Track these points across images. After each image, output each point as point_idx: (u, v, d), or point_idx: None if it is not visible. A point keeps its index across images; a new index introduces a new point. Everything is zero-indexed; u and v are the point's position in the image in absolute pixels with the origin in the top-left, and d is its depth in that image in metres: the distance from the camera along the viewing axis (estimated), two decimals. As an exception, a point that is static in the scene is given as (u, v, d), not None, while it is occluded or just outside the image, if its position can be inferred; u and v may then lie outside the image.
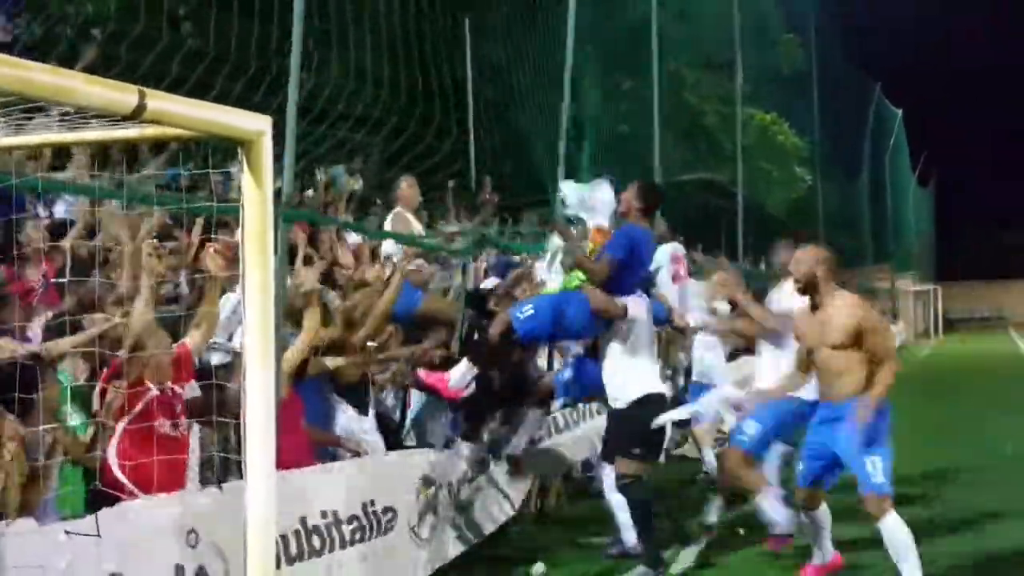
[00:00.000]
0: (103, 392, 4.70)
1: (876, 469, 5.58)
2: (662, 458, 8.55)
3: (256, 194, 2.82)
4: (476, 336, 7.11)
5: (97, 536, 3.78)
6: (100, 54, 8.18)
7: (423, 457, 6.51)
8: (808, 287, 5.78)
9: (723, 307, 7.93)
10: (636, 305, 6.38)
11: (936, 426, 13.46)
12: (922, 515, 7.87)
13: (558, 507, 8.68)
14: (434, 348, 7.45)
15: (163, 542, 4.17)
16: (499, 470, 7.45)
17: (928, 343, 40.81)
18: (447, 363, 7.09)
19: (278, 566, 4.68)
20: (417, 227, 8.36)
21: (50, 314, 5.15)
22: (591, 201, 6.61)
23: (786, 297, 6.76)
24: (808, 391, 6.26)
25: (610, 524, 7.16)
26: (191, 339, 5.12)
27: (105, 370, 4.75)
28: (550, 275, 6.79)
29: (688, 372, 10.24)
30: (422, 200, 8.95)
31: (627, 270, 6.29)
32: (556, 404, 8.52)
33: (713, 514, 7.67)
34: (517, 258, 9.81)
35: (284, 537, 4.98)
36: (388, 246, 8.09)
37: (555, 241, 6.78)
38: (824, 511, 6.16)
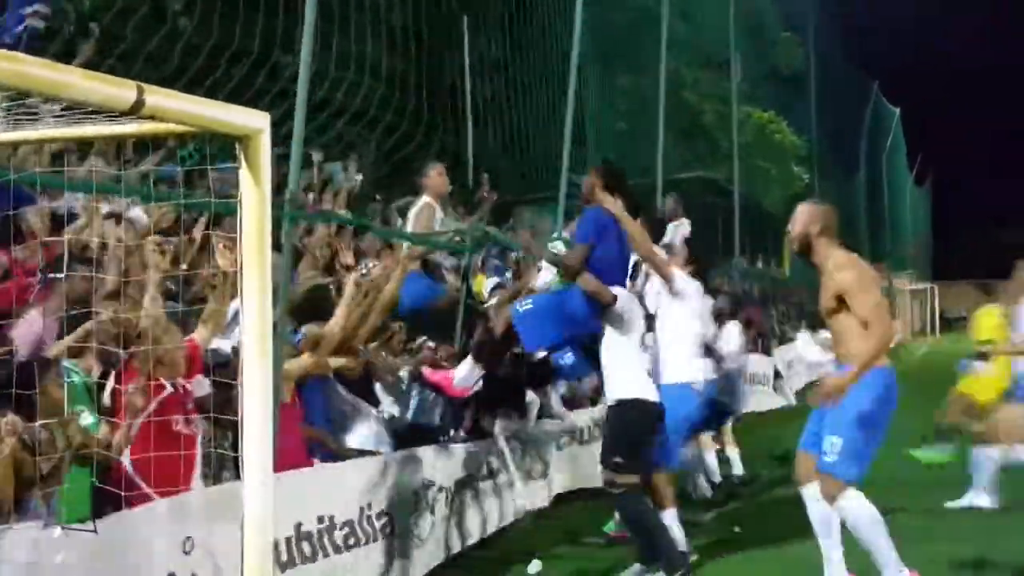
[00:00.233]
0: (115, 391, 4.68)
1: (832, 449, 5.12)
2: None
3: (254, 191, 2.81)
4: (478, 334, 7.07)
5: (94, 532, 3.76)
6: (97, 49, 8.16)
7: (424, 456, 6.50)
8: (803, 248, 5.40)
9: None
10: (627, 300, 6.32)
11: (932, 425, 13.44)
12: (918, 514, 7.89)
13: (554, 505, 8.67)
14: (437, 350, 7.46)
15: (158, 548, 4.16)
16: (515, 473, 7.48)
17: (925, 342, 40.82)
18: (451, 361, 7.12)
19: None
20: (441, 218, 8.22)
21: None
22: None
23: None
24: None
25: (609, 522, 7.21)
26: (199, 335, 5.11)
27: (120, 368, 4.74)
28: (548, 271, 6.81)
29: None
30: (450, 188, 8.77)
31: (604, 253, 6.21)
32: (560, 386, 8.53)
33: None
34: (513, 254, 9.80)
35: (276, 543, 4.95)
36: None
37: (558, 245, 6.83)
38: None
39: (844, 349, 5.20)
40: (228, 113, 2.74)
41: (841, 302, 5.16)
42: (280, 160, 6.08)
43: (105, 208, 6.25)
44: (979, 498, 8.21)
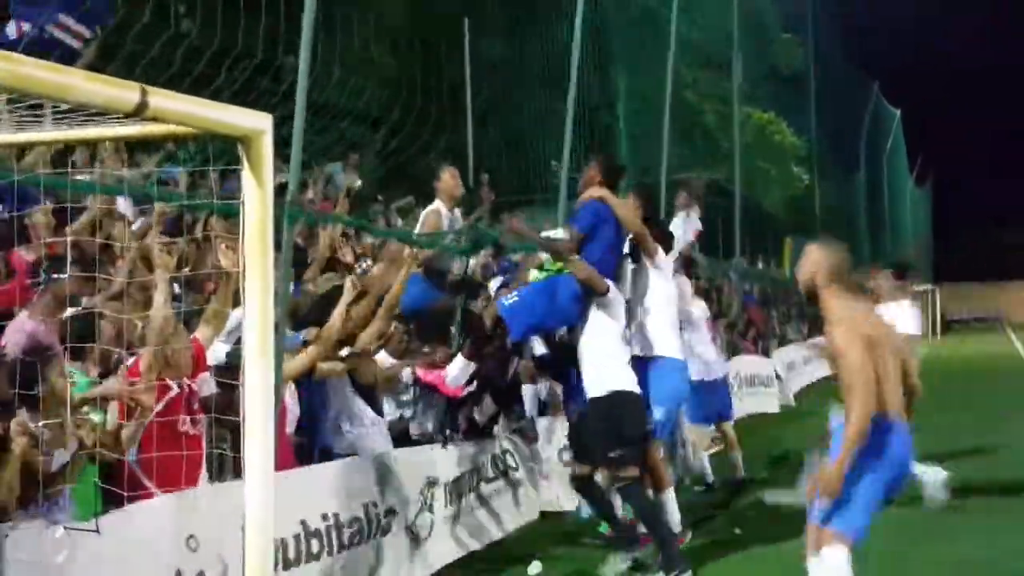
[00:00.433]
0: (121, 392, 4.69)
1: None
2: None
3: (257, 192, 2.83)
4: (467, 331, 7.13)
5: (96, 532, 3.78)
6: (99, 52, 8.18)
7: (425, 455, 6.52)
8: (808, 295, 5.09)
9: None
10: (614, 292, 6.38)
11: (932, 427, 13.46)
12: (918, 516, 7.90)
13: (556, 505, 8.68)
14: (434, 352, 7.48)
15: (163, 546, 4.17)
16: (521, 475, 7.49)
17: (925, 344, 40.78)
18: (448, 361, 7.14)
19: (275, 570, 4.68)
20: (454, 224, 8.25)
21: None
22: None
23: None
24: None
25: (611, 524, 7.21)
26: (201, 334, 5.12)
27: (128, 368, 4.75)
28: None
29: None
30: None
31: (597, 244, 6.30)
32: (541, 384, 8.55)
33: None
34: (516, 257, 9.81)
35: (283, 540, 4.96)
36: None
37: (557, 232, 6.87)
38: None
39: (847, 403, 4.82)
40: (230, 114, 2.75)
41: (835, 365, 4.85)
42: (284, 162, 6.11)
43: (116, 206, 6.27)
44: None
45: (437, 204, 8.08)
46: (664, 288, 6.70)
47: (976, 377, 23.07)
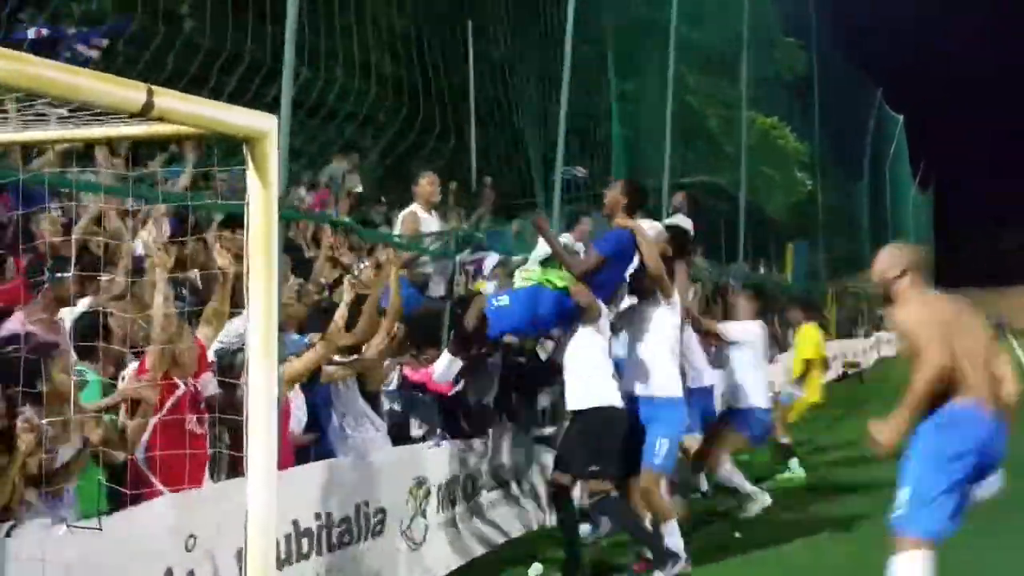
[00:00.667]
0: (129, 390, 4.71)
1: (900, 502, 4.64)
2: None
3: (261, 192, 2.84)
4: (454, 326, 7.19)
5: (99, 530, 3.79)
6: (102, 52, 8.22)
7: (420, 455, 6.51)
8: (886, 296, 5.00)
9: None
10: (604, 313, 6.52)
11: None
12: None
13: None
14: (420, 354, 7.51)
15: (160, 545, 4.18)
16: (524, 484, 7.54)
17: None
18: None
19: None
20: (432, 226, 8.34)
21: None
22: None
23: None
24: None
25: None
26: (202, 334, 5.14)
27: (135, 366, 4.77)
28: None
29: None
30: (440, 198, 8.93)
31: (611, 269, 6.41)
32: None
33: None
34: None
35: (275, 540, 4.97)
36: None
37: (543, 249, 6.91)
38: None
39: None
40: (236, 115, 2.77)
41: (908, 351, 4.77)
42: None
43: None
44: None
45: (415, 207, 8.23)
46: (671, 323, 6.69)
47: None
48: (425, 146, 11.07)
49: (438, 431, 7.12)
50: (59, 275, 5.17)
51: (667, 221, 9.26)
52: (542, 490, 8.05)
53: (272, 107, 6.77)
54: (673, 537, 6.53)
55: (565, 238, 8.08)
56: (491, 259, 8.74)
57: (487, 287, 8.91)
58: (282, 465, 5.31)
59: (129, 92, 2.43)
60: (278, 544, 4.97)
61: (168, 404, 4.67)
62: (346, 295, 6.08)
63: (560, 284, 6.38)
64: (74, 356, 4.90)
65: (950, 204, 56.28)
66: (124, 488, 4.10)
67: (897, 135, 41.82)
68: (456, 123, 12.23)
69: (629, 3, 17.33)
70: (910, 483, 4.57)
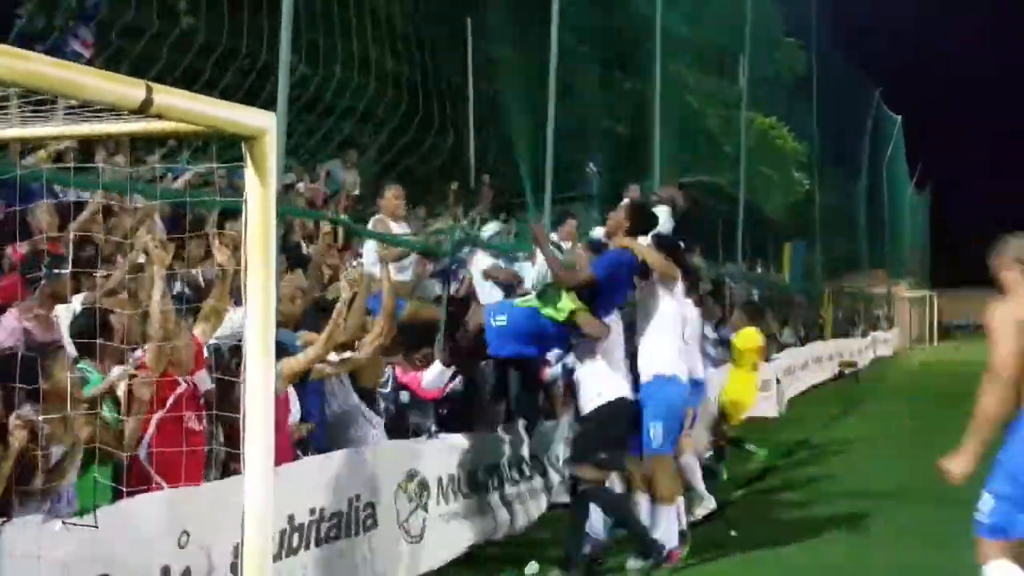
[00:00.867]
0: (129, 388, 4.71)
1: (984, 507, 4.60)
2: None
3: (260, 190, 2.84)
4: (448, 337, 7.30)
5: (95, 527, 3.78)
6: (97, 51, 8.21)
7: (413, 449, 6.51)
8: (997, 287, 4.89)
9: None
10: (615, 324, 6.64)
11: (923, 430, 13.52)
12: (917, 522, 7.93)
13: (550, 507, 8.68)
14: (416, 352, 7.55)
15: (154, 542, 4.18)
16: (530, 475, 7.58)
17: (923, 349, 40.89)
18: (429, 363, 7.27)
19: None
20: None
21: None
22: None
23: None
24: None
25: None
26: (199, 331, 5.13)
27: (134, 364, 4.77)
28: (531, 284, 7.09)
29: None
30: (409, 208, 9.12)
31: (608, 291, 6.49)
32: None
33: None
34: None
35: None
36: (368, 254, 8.21)
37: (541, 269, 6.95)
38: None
39: None
40: (236, 113, 2.76)
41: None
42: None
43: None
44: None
45: (381, 216, 8.48)
46: (672, 309, 6.75)
47: (968, 382, 23.01)
48: (423, 143, 11.07)
49: (432, 427, 7.13)
50: (56, 271, 5.16)
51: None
52: (538, 484, 8.06)
53: (268, 103, 6.79)
54: (670, 522, 6.59)
55: (552, 236, 8.12)
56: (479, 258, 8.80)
57: (477, 278, 8.95)
58: (282, 460, 5.34)
59: (127, 89, 2.43)
60: (273, 539, 4.97)
61: (169, 401, 4.67)
62: (344, 293, 6.08)
63: (562, 318, 6.44)
64: (74, 353, 4.90)
65: (948, 205, 56.38)
66: (129, 485, 4.10)
67: (895, 135, 41.86)
68: (454, 120, 12.24)
69: (628, 2, 17.32)
70: (991, 490, 4.55)
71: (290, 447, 5.71)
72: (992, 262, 4.95)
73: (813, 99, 27.92)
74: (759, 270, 24.21)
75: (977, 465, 4.55)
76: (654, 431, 6.54)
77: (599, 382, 6.55)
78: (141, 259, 5.82)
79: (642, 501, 6.81)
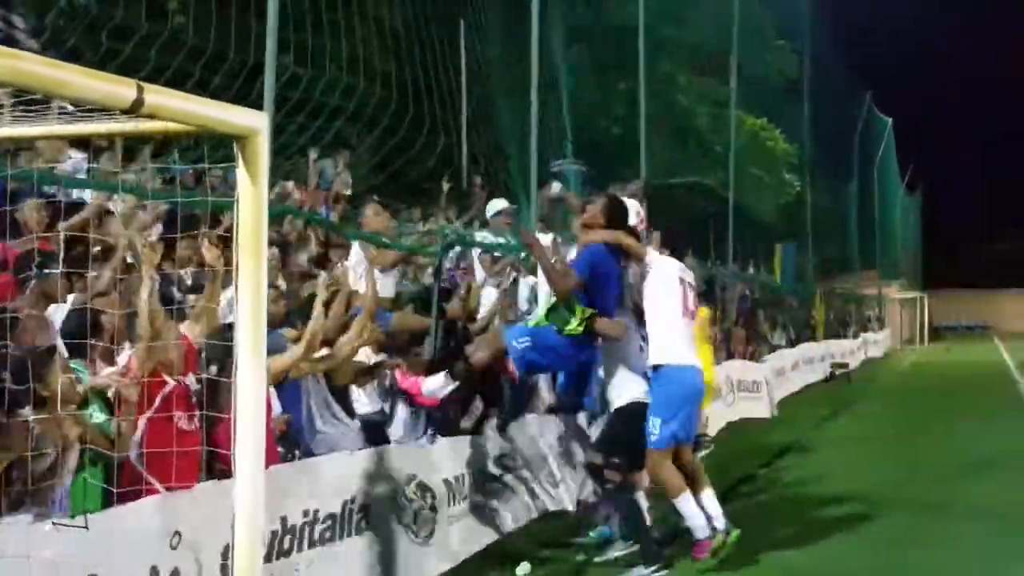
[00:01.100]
0: (117, 389, 4.70)
1: None
2: None
3: (251, 190, 2.83)
4: (456, 354, 7.35)
5: (85, 528, 3.78)
6: (87, 44, 8.19)
7: (410, 453, 6.51)
8: None
9: None
10: (629, 321, 6.70)
11: (914, 430, 13.58)
12: (897, 524, 7.95)
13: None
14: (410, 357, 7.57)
15: (144, 543, 4.18)
16: (513, 476, 7.56)
17: (914, 350, 41.02)
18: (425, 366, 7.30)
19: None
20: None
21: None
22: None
23: None
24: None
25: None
26: (191, 331, 5.12)
27: (123, 364, 4.76)
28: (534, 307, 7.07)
29: None
30: (394, 220, 9.17)
31: (597, 287, 6.50)
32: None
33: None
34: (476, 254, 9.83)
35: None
36: (354, 255, 8.23)
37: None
38: None
39: None
40: (227, 113, 2.76)
41: None
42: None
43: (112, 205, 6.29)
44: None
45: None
46: (664, 290, 6.72)
47: (957, 383, 23.12)
48: (415, 143, 11.07)
49: (429, 430, 7.13)
50: (46, 271, 5.15)
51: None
52: (535, 487, 8.07)
53: (259, 104, 6.78)
54: (691, 515, 6.55)
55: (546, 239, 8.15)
56: (487, 292, 8.84)
57: (482, 295, 8.97)
58: (268, 461, 5.32)
59: (118, 88, 2.42)
60: (265, 540, 4.96)
61: (157, 401, 4.66)
62: (320, 294, 6.06)
63: (581, 329, 6.46)
64: (65, 353, 4.88)
65: (939, 206, 56.61)
66: (122, 486, 4.09)
67: (886, 137, 42.01)
68: (446, 121, 12.24)
69: (621, 4, 17.35)
70: None
71: (275, 446, 5.71)
72: None
73: (804, 101, 28.01)
74: (750, 271, 24.26)
75: None
76: (651, 427, 6.52)
77: (616, 385, 6.65)
78: (130, 259, 5.82)
79: (641, 499, 6.85)
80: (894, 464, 10.82)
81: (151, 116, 2.56)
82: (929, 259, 54.59)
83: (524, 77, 11.85)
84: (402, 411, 7.26)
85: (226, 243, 4.89)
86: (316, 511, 5.41)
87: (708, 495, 6.70)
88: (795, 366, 20.59)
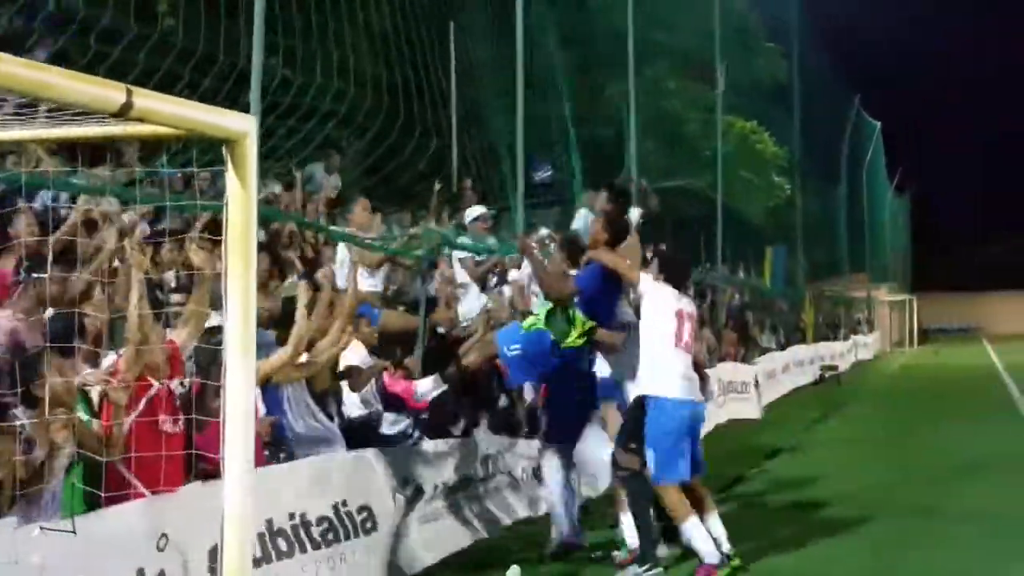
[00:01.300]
0: (103, 391, 4.68)
1: None
2: None
3: (240, 193, 2.84)
4: (445, 357, 7.37)
5: (72, 533, 3.77)
6: (74, 47, 8.16)
7: (398, 455, 6.51)
8: None
9: None
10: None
11: (903, 432, 13.63)
12: (889, 526, 7.98)
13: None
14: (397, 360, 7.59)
15: (131, 546, 4.17)
16: (503, 478, 7.58)
17: (903, 353, 41.18)
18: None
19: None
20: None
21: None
22: None
23: None
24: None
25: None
26: (178, 336, 5.11)
27: (112, 366, 4.75)
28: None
29: None
30: (381, 216, 9.21)
31: (597, 301, 6.68)
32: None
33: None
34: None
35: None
36: (339, 255, 8.24)
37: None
38: None
39: None
40: (216, 116, 2.77)
41: None
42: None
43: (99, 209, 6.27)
44: None
45: (351, 230, 8.63)
46: (657, 318, 6.64)
47: (945, 385, 23.21)
48: (405, 147, 11.07)
49: (416, 432, 7.14)
50: (35, 275, 5.13)
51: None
52: (523, 488, 8.07)
53: (248, 107, 6.77)
54: (700, 539, 6.42)
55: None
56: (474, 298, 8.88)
57: (468, 294, 8.99)
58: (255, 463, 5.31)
59: (107, 92, 2.42)
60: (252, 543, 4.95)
61: (142, 404, 4.65)
62: (301, 297, 6.04)
63: (581, 342, 6.61)
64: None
65: (927, 209, 56.83)
66: (106, 489, 4.08)
67: (874, 140, 42.20)
68: (437, 123, 12.24)
69: (610, 7, 17.39)
70: None
71: (261, 449, 5.71)
72: None
73: (793, 104, 28.11)
74: (740, 274, 24.31)
75: None
76: (648, 457, 6.47)
77: (636, 377, 6.69)
78: (116, 263, 5.80)
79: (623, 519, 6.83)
80: (885, 466, 10.85)
81: (140, 120, 2.57)
82: (918, 261, 54.80)
83: (515, 79, 11.88)
84: (392, 415, 7.27)
85: (215, 245, 4.88)
86: (303, 514, 5.41)
87: (714, 518, 6.64)
88: (785, 369, 20.66)
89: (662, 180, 19.84)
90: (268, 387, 6.00)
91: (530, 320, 6.97)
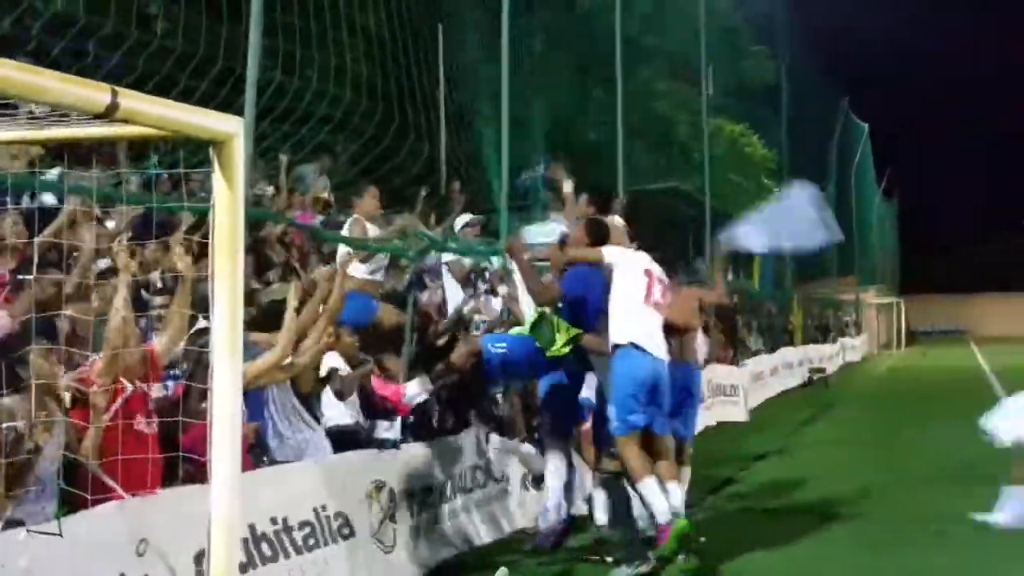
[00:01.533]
0: (76, 391, 4.65)
1: None
2: None
3: (227, 195, 2.83)
4: (435, 360, 7.38)
5: (59, 536, 3.75)
6: (70, 50, 8.13)
7: (380, 460, 6.49)
8: None
9: None
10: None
11: (891, 434, 13.68)
12: (880, 526, 8.01)
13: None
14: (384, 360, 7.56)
15: (112, 551, 4.15)
16: (492, 484, 7.61)
17: (891, 355, 41.32)
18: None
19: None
20: (376, 234, 8.51)
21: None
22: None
23: None
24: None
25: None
26: (158, 341, 5.08)
27: (84, 368, 4.72)
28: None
29: None
30: (382, 212, 9.14)
31: (580, 304, 6.75)
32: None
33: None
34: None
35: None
36: (341, 254, 8.22)
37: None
38: None
39: None
40: (202, 117, 2.76)
41: None
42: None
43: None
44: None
45: (358, 217, 8.46)
46: (622, 282, 6.68)
47: (932, 387, 23.30)
48: (397, 151, 11.07)
49: (399, 436, 7.13)
50: (20, 277, 5.11)
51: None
52: (511, 493, 8.06)
53: (243, 111, 6.76)
54: (653, 497, 6.39)
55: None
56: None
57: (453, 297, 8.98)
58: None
59: (93, 93, 2.41)
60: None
61: (115, 406, 4.61)
62: (291, 299, 6.02)
63: (567, 350, 6.66)
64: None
65: (915, 212, 57.05)
66: (84, 491, 4.06)
67: (862, 143, 42.33)
68: (427, 128, 12.24)
69: (599, 11, 17.42)
70: None
71: (246, 453, 5.68)
72: None
73: (782, 107, 28.19)
74: (729, 277, 24.36)
75: None
76: (609, 410, 6.50)
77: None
78: (102, 264, 5.78)
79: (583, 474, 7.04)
80: (873, 468, 10.89)
81: (126, 121, 2.56)
82: (906, 264, 55.02)
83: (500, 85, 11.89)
84: (386, 423, 7.24)
85: (202, 248, 4.86)
86: (285, 518, 5.39)
87: (674, 485, 6.55)
88: (773, 371, 20.71)
89: (652, 182, 19.89)
90: (249, 390, 5.96)
91: (516, 330, 7.13)
